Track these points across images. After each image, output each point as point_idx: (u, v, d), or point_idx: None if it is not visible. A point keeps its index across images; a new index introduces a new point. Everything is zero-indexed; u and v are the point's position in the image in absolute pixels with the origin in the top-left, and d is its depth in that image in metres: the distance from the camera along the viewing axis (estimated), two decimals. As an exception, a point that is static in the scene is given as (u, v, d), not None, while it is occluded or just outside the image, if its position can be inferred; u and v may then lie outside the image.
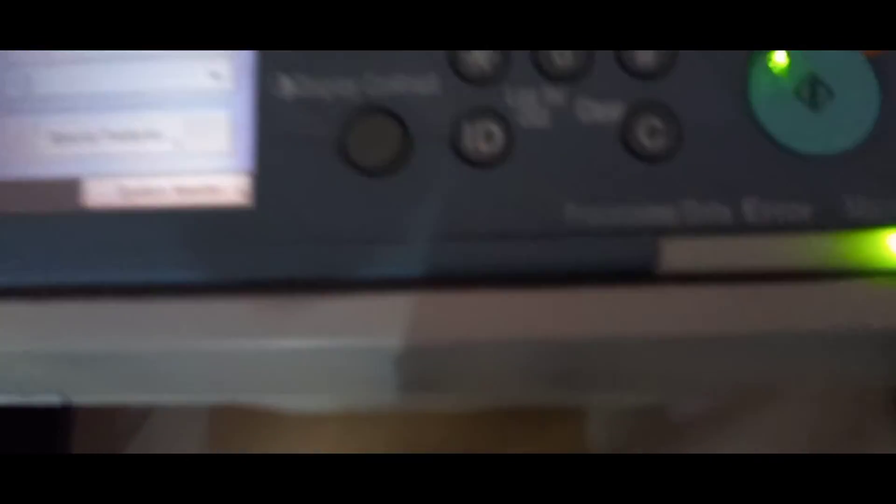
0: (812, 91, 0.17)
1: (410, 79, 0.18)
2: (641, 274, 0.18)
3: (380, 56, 0.19)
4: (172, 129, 0.19)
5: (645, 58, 0.18)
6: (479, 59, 0.18)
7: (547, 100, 0.18)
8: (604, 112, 0.18)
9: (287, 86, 0.19)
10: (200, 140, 0.19)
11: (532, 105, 0.18)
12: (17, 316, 0.19)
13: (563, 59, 0.18)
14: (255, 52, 0.19)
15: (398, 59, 0.18)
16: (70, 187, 0.19)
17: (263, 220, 0.19)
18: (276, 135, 0.19)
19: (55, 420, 0.36)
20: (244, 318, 0.19)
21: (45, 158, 0.20)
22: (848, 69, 0.18)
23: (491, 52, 0.18)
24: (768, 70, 0.18)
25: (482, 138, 0.18)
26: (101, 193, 0.19)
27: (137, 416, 0.37)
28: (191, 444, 0.37)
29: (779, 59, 0.18)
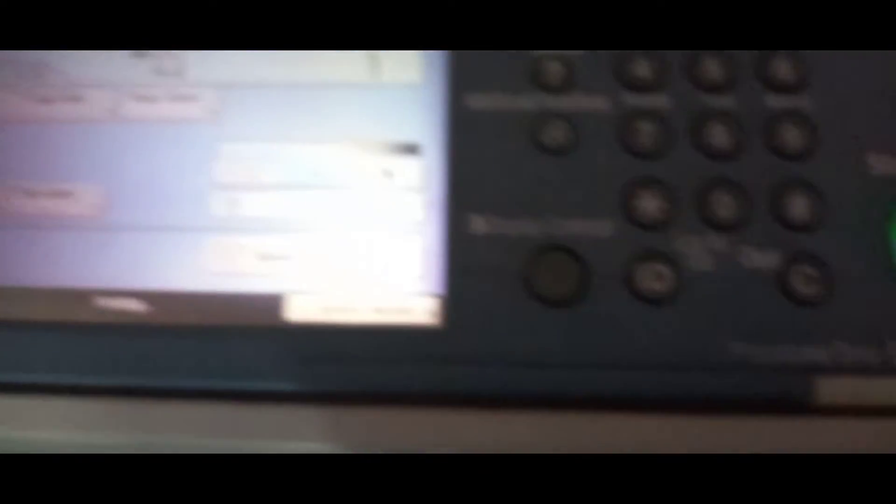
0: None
1: (588, 222, 0.21)
2: (797, 406, 0.20)
3: (561, 200, 0.21)
4: (370, 255, 0.22)
5: (799, 211, 0.21)
6: (650, 207, 0.21)
7: (711, 246, 0.21)
8: (763, 259, 0.20)
9: (478, 223, 0.21)
10: (395, 265, 0.22)
11: (698, 250, 0.21)
12: (224, 415, 0.21)
13: (726, 210, 0.21)
14: (446, 190, 0.22)
15: (577, 204, 0.21)
16: (273, 302, 0.22)
17: (451, 340, 0.21)
18: (465, 264, 0.21)
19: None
20: (429, 427, 0.21)
21: (250, 275, 0.22)
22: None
23: (661, 201, 0.21)
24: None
25: (653, 278, 0.20)
26: (302, 309, 0.22)
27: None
28: None
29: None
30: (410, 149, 0.23)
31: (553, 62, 0.22)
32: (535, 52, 0.22)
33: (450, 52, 0.23)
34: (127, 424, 0.22)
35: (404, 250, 0.22)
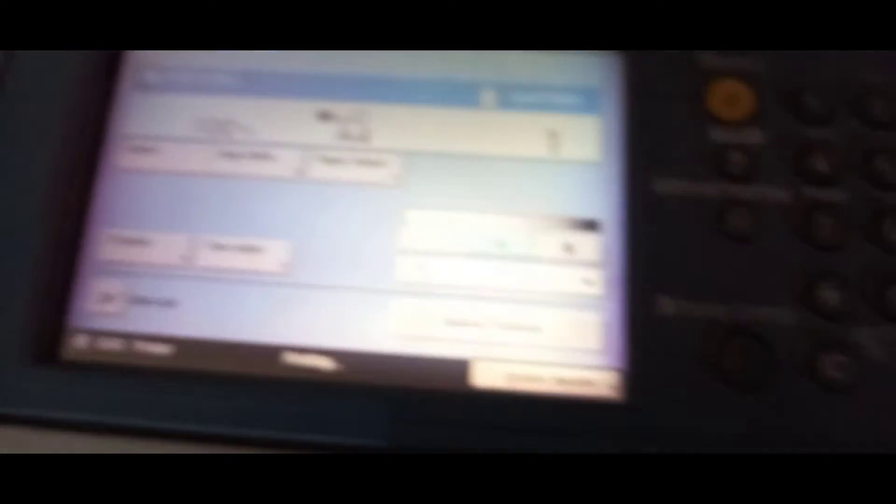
0: None
1: (773, 309, 0.22)
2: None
3: (745, 286, 0.22)
4: (552, 326, 0.23)
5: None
6: (830, 298, 0.22)
7: (889, 338, 0.22)
8: (937, 353, 0.22)
9: (664, 303, 0.22)
10: (576, 338, 0.23)
11: (876, 342, 0.22)
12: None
13: (902, 304, 0.22)
14: (627, 268, 0.23)
15: (761, 290, 0.22)
16: (460, 367, 0.23)
17: (634, 415, 0.22)
18: (649, 342, 0.22)
19: None
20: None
21: (437, 339, 0.23)
22: None
23: (840, 293, 0.22)
24: None
25: (835, 367, 0.22)
26: (488, 376, 0.23)
27: None
28: None
29: None
30: (591, 225, 0.24)
31: (736, 152, 0.23)
32: (717, 138, 0.23)
33: (628, 133, 0.24)
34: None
35: (586, 324, 0.23)
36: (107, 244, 0.24)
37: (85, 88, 0.25)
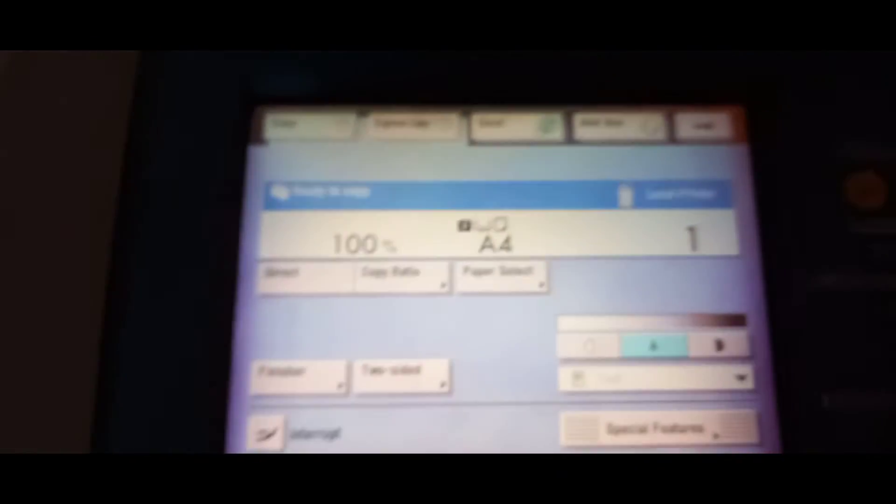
0: None
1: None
2: None
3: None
4: (712, 423, 0.24)
5: None
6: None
7: None
8: None
9: (839, 399, 0.23)
10: (735, 433, 0.24)
11: None
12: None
13: None
14: (773, 360, 0.24)
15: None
16: (630, 474, 0.24)
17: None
18: (810, 434, 0.23)
19: None
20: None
21: (606, 447, 0.24)
22: None
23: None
24: None
25: None
26: (657, 480, 0.24)
27: None
28: None
29: None
30: (737, 320, 0.25)
31: (878, 244, 0.24)
32: (856, 230, 0.24)
33: (763, 226, 0.25)
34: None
35: (742, 418, 0.24)
36: (259, 376, 0.24)
37: (216, 211, 0.25)
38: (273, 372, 0.24)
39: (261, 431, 0.24)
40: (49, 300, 0.24)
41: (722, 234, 0.26)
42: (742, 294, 0.25)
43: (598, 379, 0.24)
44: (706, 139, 0.26)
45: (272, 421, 0.24)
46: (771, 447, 0.24)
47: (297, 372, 0.24)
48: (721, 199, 0.26)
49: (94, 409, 0.23)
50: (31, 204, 0.25)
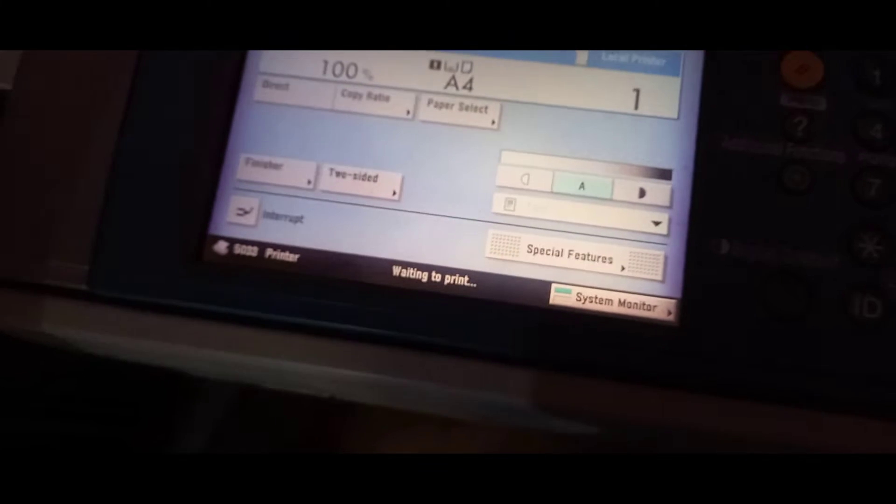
0: None
1: (816, 255, 0.28)
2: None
3: (794, 234, 0.28)
4: (621, 258, 0.29)
5: None
6: (869, 248, 0.28)
7: (919, 286, 0.27)
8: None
9: (721, 245, 0.28)
10: (641, 269, 0.29)
11: (907, 289, 0.27)
12: (478, 371, 0.29)
13: (933, 257, 0.27)
14: (690, 213, 0.29)
15: (808, 239, 0.28)
16: (541, 288, 0.29)
17: (685, 337, 0.28)
18: (704, 276, 0.28)
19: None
20: (657, 405, 0.28)
21: (523, 263, 0.29)
22: None
23: (878, 244, 0.27)
24: None
25: (866, 308, 0.27)
26: (563, 297, 0.29)
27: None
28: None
29: None
30: (663, 174, 0.30)
31: (801, 117, 0.29)
32: (785, 104, 0.29)
33: (703, 93, 0.30)
34: (401, 369, 0.30)
35: (650, 257, 0.29)
36: (244, 166, 0.31)
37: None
38: (256, 164, 0.31)
39: (240, 209, 0.31)
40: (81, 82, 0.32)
41: (664, 97, 0.30)
42: (673, 152, 0.30)
43: (527, 207, 0.30)
44: (667, 13, 0.31)
45: (250, 202, 0.31)
46: (672, 286, 0.29)
47: (276, 166, 0.31)
48: (670, 67, 0.31)
49: (109, 173, 0.31)
50: None
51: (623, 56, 0.31)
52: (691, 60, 0.31)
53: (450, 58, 0.31)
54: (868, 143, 0.29)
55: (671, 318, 0.29)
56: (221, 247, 0.31)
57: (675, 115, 0.30)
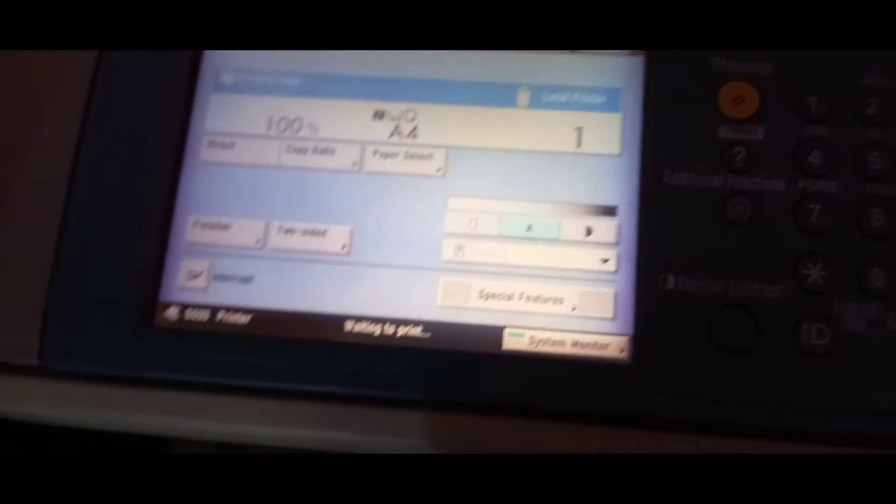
0: None
1: (763, 285, 0.28)
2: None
3: (740, 265, 0.28)
4: (572, 297, 0.30)
5: (942, 288, 0.28)
6: (815, 276, 0.28)
7: (865, 311, 0.28)
8: (907, 325, 0.28)
9: (670, 280, 0.29)
10: (592, 308, 0.29)
11: (854, 314, 0.28)
12: (444, 422, 0.29)
13: (879, 281, 0.28)
14: (637, 248, 0.29)
15: (754, 269, 0.28)
16: (494, 333, 0.30)
17: (638, 374, 0.29)
18: (654, 312, 0.29)
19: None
20: (614, 443, 0.29)
21: (475, 309, 0.30)
22: None
23: (824, 271, 0.28)
24: None
25: (815, 335, 0.28)
26: (516, 341, 0.29)
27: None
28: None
29: None
30: (609, 210, 0.30)
31: (740, 147, 0.29)
32: (723, 134, 0.29)
33: (644, 128, 0.30)
34: (359, 426, 0.30)
35: (601, 295, 0.29)
36: (193, 228, 0.31)
37: (170, 91, 0.32)
38: (205, 225, 0.32)
39: (190, 272, 0.31)
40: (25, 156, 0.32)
41: (606, 134, 0.31)
42: (617, 189, 0.30)
43: (476, 252, 0.30)
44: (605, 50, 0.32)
45: (200, 265, 0.31)
46: (623, 323, 0.29)
47: (225, 227, 0.31)
48: (610, 104, 0.31)
49: (56, 243, 0.31)
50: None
51: (563, 96, 0.31)
52: (631, 96, 0.31)
53: (393, 107, 0.32)
54: (807, 169, 0.29)
55: (624, 355, 0.29)
56: (173, 312, 0.31)
57: (618, 152, 0.31)
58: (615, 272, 0.30)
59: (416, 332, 0.30)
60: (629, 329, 0.29)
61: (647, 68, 0.31)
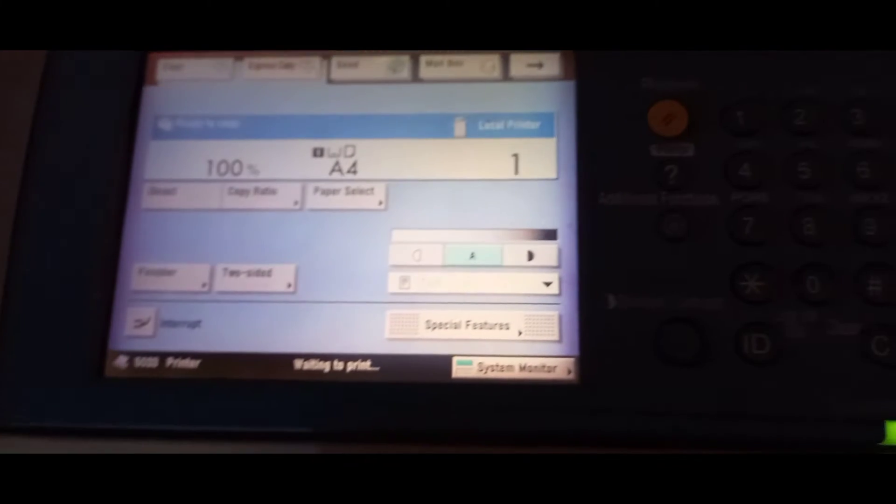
0: None
1: (703, 299, 0.29)
2: (868, 447, 0.28)
3: (679, 281, 0.29)
4: (517, 322, 0.30)
5: (877, 290, 0.28)
6: (753, 287, 0.29)
7: (805, 319, 0.28)
8: (845, 329, 0.28)
9: (611, 301, 0.29)
10: (538, 331, 0.30)
11: (794, 322, 0.28)
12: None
13: (816, 289, 0.28)
14: (578, 270, 0.30)
15: (693, 284, 0.29)
16: (443, 363, 0.30)
17: (586, 394, 0.29)
18: (598, 332, 0.29)
19: None
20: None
21: (423, 341, 0.30)
22: None
23: (762, 282, 0.29)
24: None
25: (757, 345, 0.28)
26: (465, 369, 0.30)
27: None
28: None
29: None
30: (549, 234, 0.31)
31: (672, 165, 0.30)
32: (656, 154, 0.30)
33: (579, 151, 0.31)
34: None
35: (545, 319, 0.30)
36: (138, 276, 0.32)
37: (111, 140, 0.32)
38: (150, 272, 0.32)
39: (137, 320, 0.31)
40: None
41: (542, 159, 0.32)
42: (556, 212, 0.31)
43: (421, 283, 0.31)
44: (537, 77, 0.32)
45: (147, 312, 0.31)
46: (569, 344, 0.30)
47: (170, 272, 0.32)
48: (545, 129, 0.32)
49: (1, 298, 0.31)
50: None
51: (499, 124, 0.32)
52: (564, 120, 0.32)
53: (332, 144, 0.32)
54: (738, 182, 0.30)
55: (571, 376, 0.30)
56: (122, 361, 0.31)
57: (555, 176, 0.31)
58: (558, 295, 0.30)
59: (366, 366, 0.30)
60: (575, 350, 0.30)
61: (579, 92, 0.32)
